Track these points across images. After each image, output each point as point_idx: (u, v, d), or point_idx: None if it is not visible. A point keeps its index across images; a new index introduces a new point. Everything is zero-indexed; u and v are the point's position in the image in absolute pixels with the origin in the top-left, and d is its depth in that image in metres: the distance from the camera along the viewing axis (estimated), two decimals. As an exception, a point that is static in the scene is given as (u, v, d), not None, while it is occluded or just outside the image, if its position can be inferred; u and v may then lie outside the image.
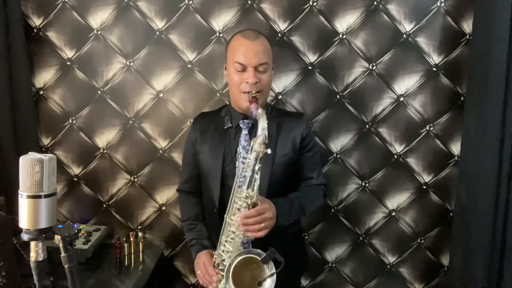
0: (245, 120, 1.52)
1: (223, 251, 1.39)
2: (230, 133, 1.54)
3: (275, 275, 1.25)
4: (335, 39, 1.91)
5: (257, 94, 1.41)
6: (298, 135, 1.53)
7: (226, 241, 1.38)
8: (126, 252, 1.85)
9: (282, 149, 1.51)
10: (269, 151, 1.30)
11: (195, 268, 1.52)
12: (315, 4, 1.89)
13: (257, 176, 1.32)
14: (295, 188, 1.58)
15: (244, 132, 1.52)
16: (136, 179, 2.06)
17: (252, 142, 1.32)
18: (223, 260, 1.38)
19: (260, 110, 1.34)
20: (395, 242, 2.08)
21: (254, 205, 1.33)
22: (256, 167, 1.31)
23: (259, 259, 1.26)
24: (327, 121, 1.98)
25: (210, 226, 1.59)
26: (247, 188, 1.32)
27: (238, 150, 1.51)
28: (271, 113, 1.57)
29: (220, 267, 1.40)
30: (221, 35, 1.92)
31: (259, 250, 1.27)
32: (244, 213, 1.31)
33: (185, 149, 1.67)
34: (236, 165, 1.49)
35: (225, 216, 1.38)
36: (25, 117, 1.91)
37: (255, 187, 1.32)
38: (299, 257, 1.70)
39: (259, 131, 1.30)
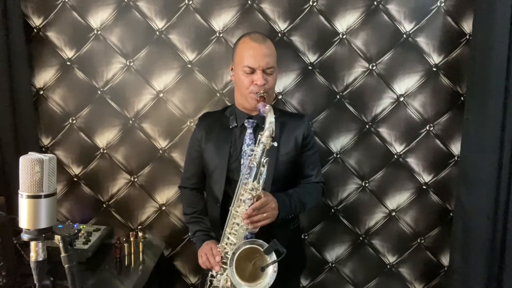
0: (249, 120, 1.57)
1: (226, 243, 1.43)
2: (236, 132, 1.59)
3: (276, 266, 1.31)
4: (335, 39, 1.91)
5: (264, 94, 1.48)
6: (300, 134, 1.59)
7: (230, 233, 1.42)
8: (126, 252, 1.85)
9: (285, 147, 1.56)
10: (275, 144, 1.37)
11: (198, 254, 1.54)
12: (315, 4, 1.89)
13: (263, 169, 1.38)
14: (296, 186, 1.62)
15: (249, 131, 1.56)
16: (136, 179, 2.06)
17: (259, 135, 1.39)
18: (226, 252, 1.42)
19: (268, 107, 1.41)
20: (395, 242, 2.08)
21: (258, 197, 1.38)
22: (263, 160, 1.37)
23: (262, 249, 1.31)
24: (327, 121, 1.98)
25: (212, 221, 1.63)
26: (253, 181, 1.37)
27: (243, 148, 1.55)
28: (274, 113, 1.60)
29: (223, 260, 1.42)
30: (221, 35, 1.92)
31: (262, 241, 1.33)
32: (252, 206, 1.36)
33: (189, 147, 1.71)
34: (242, 163, 1.54)
35: (230, 208, 1.43)
36: (25, 117, 1.91)
37: (261, 180, 1.38)
38: (298, 253, 1.74)
39: (267, 125, 1.37)
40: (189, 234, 1.67)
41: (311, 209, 1.65)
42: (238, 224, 1.40)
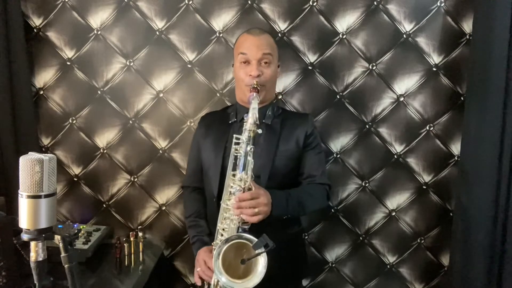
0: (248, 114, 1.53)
1: (220, 240, 1.38)
2: (234, 127, 1.59)
3: (266, 263, 1.22)
4: (335, 39, 1.91)
5: (258, 85, 1.46)
6: (302, 132, 1.58)
7: (223, 229, 1.39)
8: (126, 252, 1.85)
9: (285, 144, 1.55)
10: (260, 131, 1.34)
11: (195, 265, 1.54)
12: (315, 4, 1.89)
13: (250, 158, 1.33)
14: (296, 186, 1.58)
15: None
16: (136, 179, 2.06)
17: (244, 122, 1.36)
18: None
19: (254, 94, 1.41)
20: (395, 242, 2.08)
21: (248, 189, 1.34)
22: (248, 148, 1.33)
23: (251, 244, 1.23)
24: (327, 121, 1.98)
25: (210, 217, 1.61)
26: (241, 171, 1.33)
27: None
28: (277, 111, 1.63)
29: None
30: (221, 35, 1.92)
31: (250, 236, 1.24)
32: (239, 195, 1.31)
33: (191, 146, 1.74)
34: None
35: (221, 202, 1.40)
36: (25, 117, 1.91)
37: (249, 170, 1.33)
38: (299, 259, 1.70)
39: (250, 111, 1.35)
40: (190, 238, 1.67)
41: (313, 211, 1.63)
42: (229, 218, 1.36)
